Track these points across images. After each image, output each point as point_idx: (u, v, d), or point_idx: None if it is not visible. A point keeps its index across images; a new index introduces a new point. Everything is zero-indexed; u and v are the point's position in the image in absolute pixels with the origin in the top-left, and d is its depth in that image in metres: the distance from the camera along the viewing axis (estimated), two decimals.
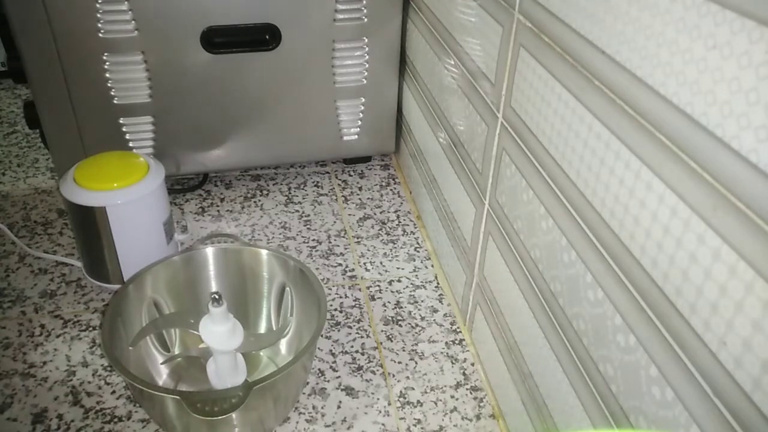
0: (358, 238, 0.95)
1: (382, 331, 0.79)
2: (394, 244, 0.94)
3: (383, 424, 0.68)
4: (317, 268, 0.89)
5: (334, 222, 0.97)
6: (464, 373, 0.74)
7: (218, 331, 0.60)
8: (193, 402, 0.56)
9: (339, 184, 1.06)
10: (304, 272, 0.70)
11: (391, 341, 0.78)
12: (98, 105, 0.89)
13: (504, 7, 0.59)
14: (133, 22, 0.84)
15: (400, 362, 0.75)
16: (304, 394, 0.71)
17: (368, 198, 1.03)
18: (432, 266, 0.90)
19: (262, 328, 0.76)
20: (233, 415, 0.58)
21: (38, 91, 0.86)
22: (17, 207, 0.99)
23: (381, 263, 0.90)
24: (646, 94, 0.39)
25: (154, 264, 0.71)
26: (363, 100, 1.00)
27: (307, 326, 0.69)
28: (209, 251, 0.74)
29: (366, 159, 1.11)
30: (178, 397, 0.56)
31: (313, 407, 0.70)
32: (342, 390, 0.72)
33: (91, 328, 0.78)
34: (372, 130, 1.04)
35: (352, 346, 0.77)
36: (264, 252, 0.74)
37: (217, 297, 0.59)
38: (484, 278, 0.72)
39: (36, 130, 0.91)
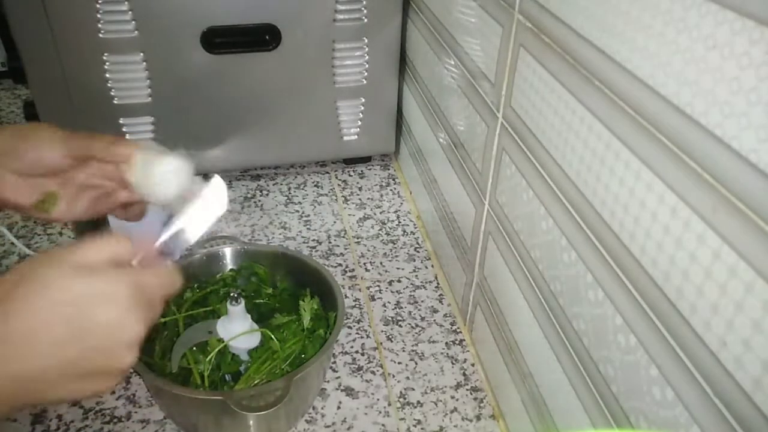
0: (358, 238, 0.95)
1: (382, 331, 0.79)
2: (394, 244, 0.94)
3: (383, 425, 0.68)
4: None
5: (334, 222, 0.97)
6: (464, 374, 0.74)
7: (236, 330, 0.63)
8: (238, 400, 0.57)
9: (339, 184, 1.06)
10: (322, 273, 0.71)
11: (391, 341, 0.78)
12: (98, 105, 0.89)
13: (504, 7, 0.59)
14: (133, 22, 0.84)
15: (400, 362, 0.75)
16: None
17: (368, 198, 1.03)
18: (432, 266, 0.90)
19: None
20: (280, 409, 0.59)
21: (38, 91, 0.86)
22: None
23: (381, 263, 0.90)
24: (647, 95, 0.39)
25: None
26: (363, 100, 1.00)
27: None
28: (227, 251, 0.75)
29: (366, 159, 1.11)
30: (221, 398, 0.57)
31: (313, 408, 0.69)
32: (342, 390, 0.72)
33: None
34: (372, 130, 1.04)
35: (352, 347, 0.77)
36: (281, 252, 0.74)
37: (235, 296, 0.62)
38: (484, 278, 0.72)
39: None
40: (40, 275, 0.35)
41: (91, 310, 0.35)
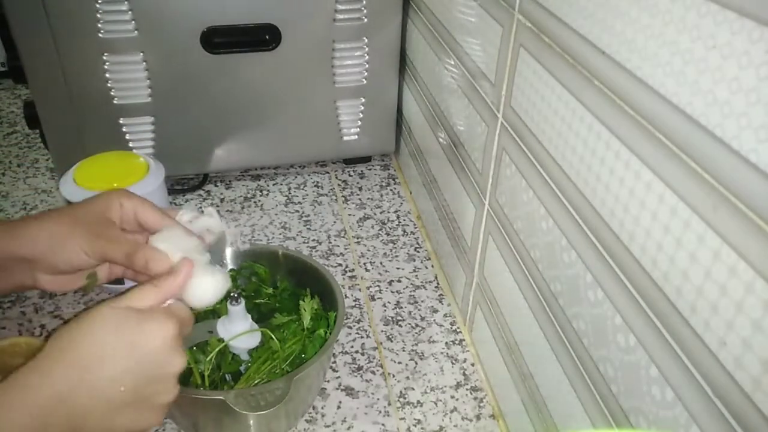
0: (358, 238, 0.95)
1: (382, 331, 0.79)
2: (394, 244, 0.94)
3: (383, 425, 0.68)
4: None
5: (334, 222, 0.97)
6: (464, 374, 0.74)
7: (236, 330, 0.63)
8: (238, 400, 0.57)
9: (339, 184, 1.06)
10: (322, 273, 0.71)
11: (391, 341, 0.78)
12: (98, 105, 0.89)
13: (504, 7, 0.59)
14: (133, 22, 0.84)
15: (400, 362, 0.75)
16: None
17: (368, 198, 1.03)
18: (432, 266, 0.90)
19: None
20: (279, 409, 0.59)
21: (38, 91, 0.86)
22: (17, 207, 0.99)
23: (381, 263, 0.90)
24: (646, 94, 0.39)
25: None
26: (363, 100, 1.00)
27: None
28: (226, 251, 0.74)
29: (366, 159, 1.11)
30: (221, 398, 0.57)
31: (313, 408, 0.70)
32: (342, 390, 0.72)
33: None
34: (372, 130, 1.04)
35: (352, 347, 0.77)
36: (281, 252, 0.74)
37: (235, 296, 0.62)
38: (484, 278, 0.72)
39: (36, 130, 0.91)
40: (100, 315, 0.41)
41: (146, 344, 0.41)
